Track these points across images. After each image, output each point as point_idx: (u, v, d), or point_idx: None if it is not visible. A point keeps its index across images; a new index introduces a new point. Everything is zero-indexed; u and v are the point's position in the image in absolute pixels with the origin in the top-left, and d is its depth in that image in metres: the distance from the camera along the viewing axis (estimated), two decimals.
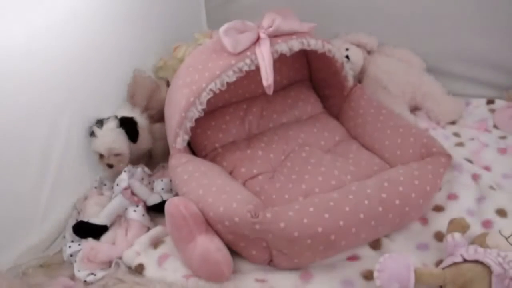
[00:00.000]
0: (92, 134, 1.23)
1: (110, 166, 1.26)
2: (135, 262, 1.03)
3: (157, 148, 1.38)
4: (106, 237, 1.13)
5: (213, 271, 0.95)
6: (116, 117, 1.25)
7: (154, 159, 1.40)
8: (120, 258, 1.06)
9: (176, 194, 1.19)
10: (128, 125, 1.26)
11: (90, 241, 1.10)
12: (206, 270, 0.96)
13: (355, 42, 1.57)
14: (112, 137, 1.22)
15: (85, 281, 1.02)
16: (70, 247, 1.10)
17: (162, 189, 1.24)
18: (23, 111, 1.07)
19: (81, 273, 1.03)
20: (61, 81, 1.16)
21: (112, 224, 1.15)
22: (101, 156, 1.25)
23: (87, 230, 1.12)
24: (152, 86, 1.38)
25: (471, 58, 1.54)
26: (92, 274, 1.03)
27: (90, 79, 1.26)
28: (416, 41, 1.58)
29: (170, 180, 1.25)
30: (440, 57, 1.58)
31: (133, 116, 1.29)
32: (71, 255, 1.09)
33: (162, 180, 1.25)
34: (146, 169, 1.29)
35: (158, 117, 1.37)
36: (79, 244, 1.10)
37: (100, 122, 1.24)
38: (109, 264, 1.06)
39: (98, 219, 1.13)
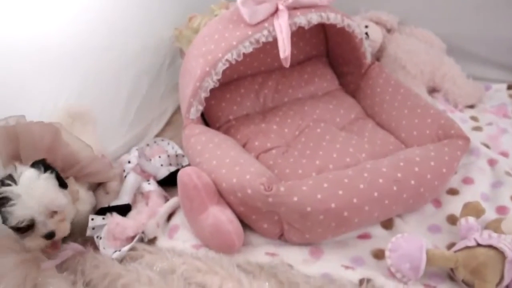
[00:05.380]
0: (3, 201, 0.84)
1: (51, 235, 0.89)
2: (153, 235, 1.02)
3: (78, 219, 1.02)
4: (130, 214, 1.07)
5: (224, 242, 0.95)
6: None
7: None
8: (143, 232, 1.03)
9: (182, 167, 1.18)
10: (51, 167, 0.91)
11: (115, 216, 1.03)
12: (217, 241, 0.96)
13: (374, 20, 1.54)
14: (42, 188, 0.87)
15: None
16: (92, 219, 1.02)
17: (162, 165, 1.23)
18: (23, 108, 1.02)
19: (107, 251, 0.99)
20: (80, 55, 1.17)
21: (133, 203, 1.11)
22: (30, 227, 0.87)
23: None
24: (49, 134, 0.94)
25: (492, 41, 1.50)
26: (118, 251, 0.99)
27: (108, 51, 1.26)
28: (437, 21, 1.55)
29: (168, 156, 1.24)
30: (461, 39, 1.54)
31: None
32: (93, 228, 1.02)
33: (160, 157, 1.24)
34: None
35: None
36: (103, 218, 1.03)
37: (9, 179, 0.86)
38: (131, 238, 1.02)
39: (119, 201, 1.08)
